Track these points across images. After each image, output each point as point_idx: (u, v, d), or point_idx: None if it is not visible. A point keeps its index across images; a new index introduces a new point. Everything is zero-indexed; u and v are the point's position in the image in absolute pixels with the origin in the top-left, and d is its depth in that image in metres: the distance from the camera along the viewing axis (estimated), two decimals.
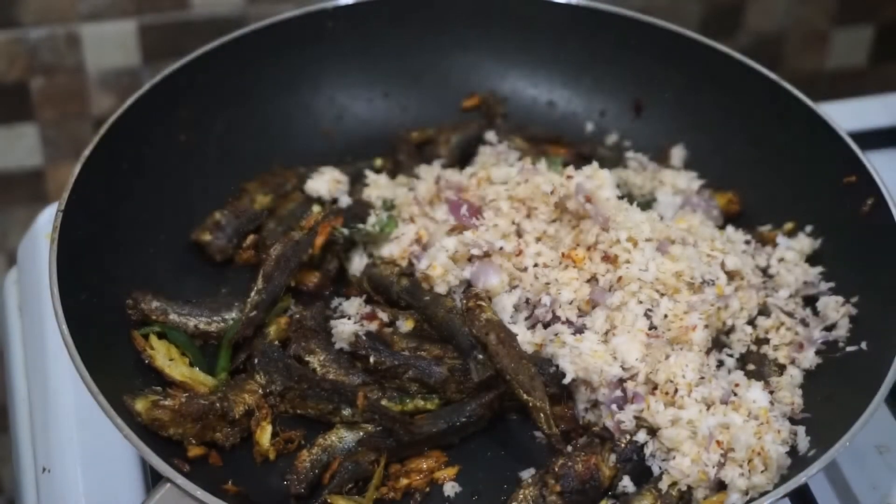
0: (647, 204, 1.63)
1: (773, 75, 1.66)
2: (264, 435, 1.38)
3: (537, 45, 1.82)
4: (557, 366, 1.39)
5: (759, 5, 2.53)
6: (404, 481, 1.35)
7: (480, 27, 1.82)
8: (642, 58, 1.78)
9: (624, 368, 1.39)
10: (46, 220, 1.78)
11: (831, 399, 1.41)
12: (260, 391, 1.40)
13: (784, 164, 1.65)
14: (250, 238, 1.60)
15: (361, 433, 1.37)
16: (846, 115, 1.67)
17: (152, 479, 1.45)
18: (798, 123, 1.63)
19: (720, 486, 1.33)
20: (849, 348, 1.45)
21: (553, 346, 1.40)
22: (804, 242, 1.58)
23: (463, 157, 1.72)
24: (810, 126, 1.61)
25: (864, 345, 1.43)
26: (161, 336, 1.45)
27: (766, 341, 1.50)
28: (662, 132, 1.76)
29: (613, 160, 1.71)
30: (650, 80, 1.77)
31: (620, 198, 1.56)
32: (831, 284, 1.53)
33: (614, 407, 1.37)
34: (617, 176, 1.64)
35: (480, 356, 1.40)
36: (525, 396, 1.36)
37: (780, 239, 1.59)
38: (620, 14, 1.77)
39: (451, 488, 1.37)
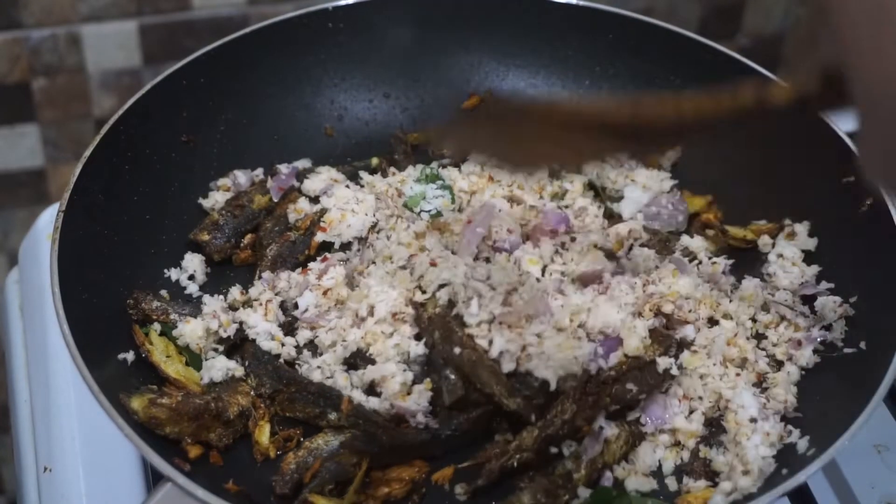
0: (617, 199, 1.65)
1: (772, 76, 1.67)
2: (263, 434, 1.38)
3: (537, 46, 1.82)
4: (537, 378, 1.37)
5: (759, 6, 2.53)
6: (384, 489, 1.34)
7: (481, 27, 1.82)
8: (641, 58, 1.78)
9: (605, 333, 1.40)
10: (47, 220, 1.79)
11: (830, 398, 1.41)
12: (252, 393, 1.41)
13: (782, 163, 1.65)
14: (248, 238, 1.61)
15: (351, 434, 1.37)
16: (845, 116, 1.67)
17: (153, 479, 1.46)
18: (797, 123, 1.63)
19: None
20: (847, 349, 1.46)
21: (525, 362, 1.38)
22: (801, 242, 1.58)
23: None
24: (809, 126, 1.61)
25: (862, 344, 1.43)
26: (162, 333, 1.46)
27: (765, 337, 1.50)
28: None
29: None
30: (649, 81, 1.78)
31: (594, 191, 1.64)
32: (830, 285, 1.53)
33: (602, 350, 1.39)
34: (594, 169, 1.68)
35: (452, 376, 1.38)
36: (478, 385, 1.36)
37: (778, 239, 1.59)
38: (620, 14, 1.78)
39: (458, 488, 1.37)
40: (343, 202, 1.57)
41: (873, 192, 1.50)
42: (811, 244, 1.58)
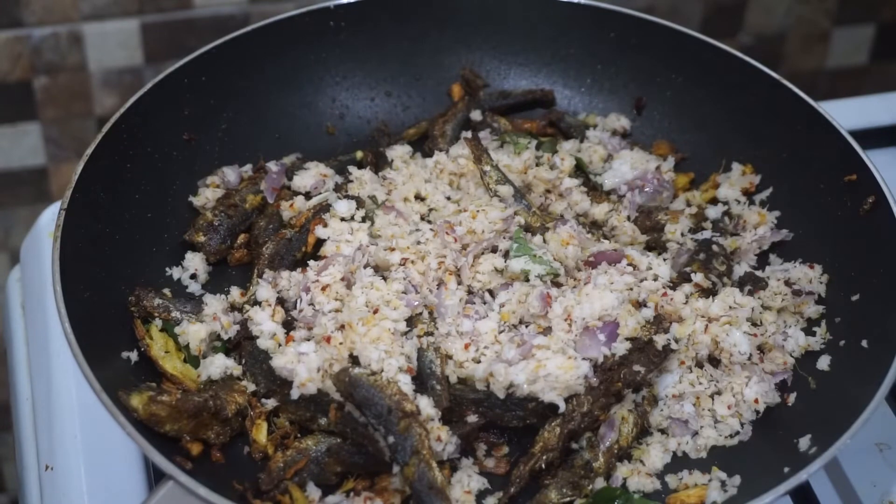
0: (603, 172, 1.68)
1: (774, 74, 1.67)
2: (260, 432, 1.39)
3: (539, 44, 1.82)
4: (537, 399, 1.38)
5: (761, 4, 2.53)
6: (378, 501, 1.34)
7: (482, 26, 1.82)
8: (643, 57, 1.78)
9: (602, 318, 1.43)
10: (49, 218, 1.79)
11: (831, 397, 1.41)
12: (249, 391, 1.41)
13: (785, 162, 1.65)
14: (242, 237, 1.61)
15: (339, 441, 1.37)
16: (847, 114, 1.68)
17: (155, 477, 1.46)
18: (799, 122, 1.63)
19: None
20: (849, 347, 1.46)
21: (529, 386, 1.38)
22: (738, 180, 1.66)
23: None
24: (811, 124, 1.61)
25: (864, 343, 1.43)
26: (163, 329, 1.46)
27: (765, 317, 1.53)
28: (664, 131, 1.77)
29: (578, 129, 1.75)
30: (651, 79, 1.78)
31: (579, 166, 1.67)
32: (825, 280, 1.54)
33: (602, 337, 1.41)
34: (576, 147, 1.71)
35: (438, 387, 1.39)
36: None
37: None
38: (622, 13, 1.78)
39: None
40: (338, 234, 1.56)
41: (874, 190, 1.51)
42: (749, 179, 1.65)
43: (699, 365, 1.47)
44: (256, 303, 1.49)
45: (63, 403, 1.58)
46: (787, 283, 1.53)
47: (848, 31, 2.63)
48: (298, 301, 1.47)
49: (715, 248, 1.56)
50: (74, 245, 1.42)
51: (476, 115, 1.77)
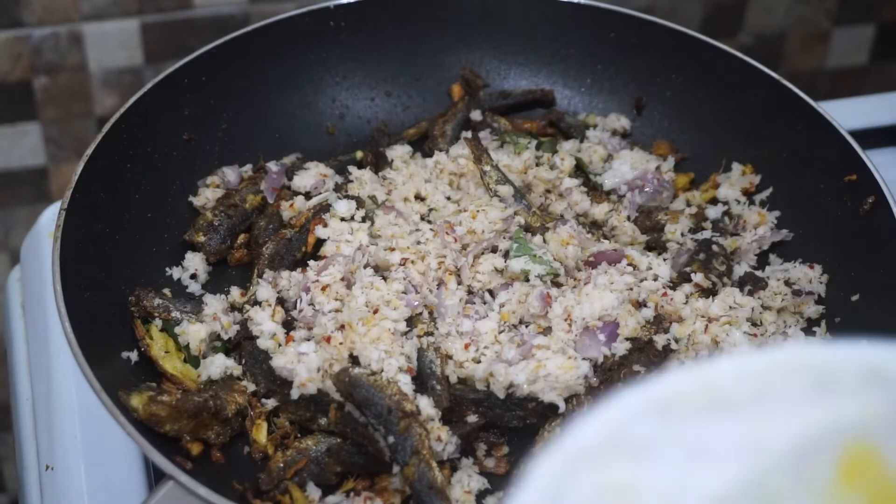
0: (602, 172, 1.68)
1: (774, 74, 1.67)
2: (261, 432, 1.39)
3: (539, 44, 1.82)
4: (537, 399, 1.38)
5: (760, 4, 2.53)
6: (378, 501, 1.34)
7: (482, 26, 1.83)
8: (643, 57, 1.78)
9: (602, 318, 1.44)
10: (49, 218, 1.79)
11: None
12: (249, 391, 1.41)
13: (785, 162, 1.65)
14: (242, 237, 1.61)
15: (339, 441, 1.37)
16: (847, 114, 1.68)
17: (155, 477, 1.46)
18: (799, 122, 1.63)
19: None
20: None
21: (529, 386, 1.39)
22: (742, 180, 1.66)
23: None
24: (811, 124, 1.61)
25: (864, 343, 1.43)
26: (163, 329, 1.46)
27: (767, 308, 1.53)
28: (664, 131, 1.77)
29: (578, 129, 1.75)
30: (651, 79, 1.78)
31: (579, 166, 1.67)
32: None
33: (602, 337, 1.42)
34: (576, 147, 1.71)
35: (438, 386, 1.39)
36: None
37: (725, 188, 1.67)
38: (622, 13, 1.78)
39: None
40: (338, 234, 1.56)
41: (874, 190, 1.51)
42: (750, 179, 1.65)
43: None
44: (256, 303, 1.49)
45: (63, 403, 1.58)
46: (787, 283, 1.53)
47: (848, 31, 2.63)
48: (298, 301, 1.48)
49: (715, 248, 1.56)
50: (74, 245, 1.42)
51: (476, 115, 1.77)
